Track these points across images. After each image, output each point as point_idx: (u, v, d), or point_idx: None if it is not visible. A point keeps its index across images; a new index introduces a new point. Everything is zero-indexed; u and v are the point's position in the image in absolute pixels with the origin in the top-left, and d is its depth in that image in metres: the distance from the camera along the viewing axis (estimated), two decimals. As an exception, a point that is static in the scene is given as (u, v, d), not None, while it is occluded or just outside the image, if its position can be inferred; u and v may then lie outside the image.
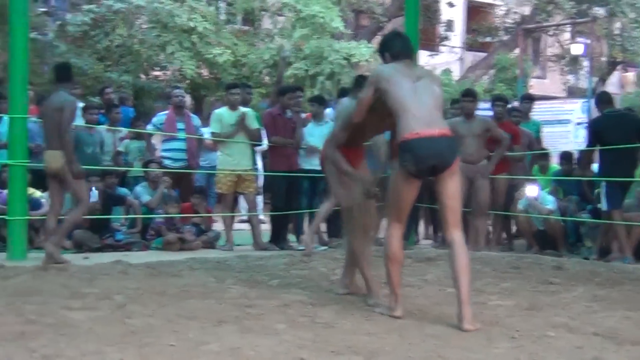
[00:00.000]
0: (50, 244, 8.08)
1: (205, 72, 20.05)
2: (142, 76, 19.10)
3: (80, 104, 11.58)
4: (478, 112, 10.50)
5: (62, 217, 8.50)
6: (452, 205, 5.48)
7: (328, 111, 10.99)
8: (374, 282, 6.20)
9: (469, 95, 10.41)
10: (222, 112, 10.35)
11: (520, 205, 10.34)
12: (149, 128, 11.22)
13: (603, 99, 10.14)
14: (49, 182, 8.43)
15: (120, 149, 11.21)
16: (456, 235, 5.44)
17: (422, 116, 5.40)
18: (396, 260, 5.59)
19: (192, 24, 18.29)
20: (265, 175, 11.01)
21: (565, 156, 11.01)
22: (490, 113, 11.08)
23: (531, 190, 10.25)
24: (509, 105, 11.46)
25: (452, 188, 5.45)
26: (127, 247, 9.71)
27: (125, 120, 11.66)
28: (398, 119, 5.44)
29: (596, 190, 10.08)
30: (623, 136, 9.36)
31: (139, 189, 10.59)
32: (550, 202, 10.29)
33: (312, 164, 10.46)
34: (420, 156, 5.32)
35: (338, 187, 6.40)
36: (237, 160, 10.14)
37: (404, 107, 5.44)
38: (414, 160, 5.34)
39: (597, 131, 9.83)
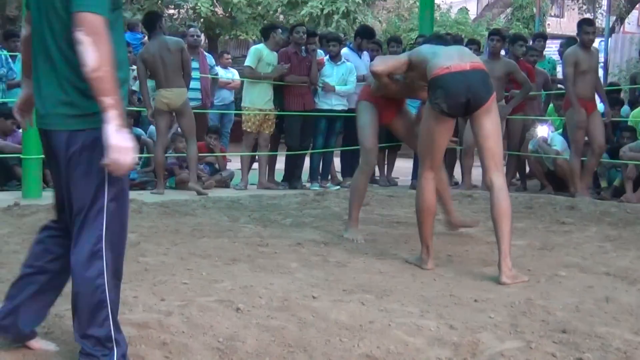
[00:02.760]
0: (192, 184, 9.24)
1: (219, 10, 19.91)
2: (157, 14, 18.99)
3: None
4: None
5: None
6: (490, 147, 5.11)
7: (344, 51, 10.89)
8: (356, 219, 6.51)
9: (496, 34, 10.17)
10: (262, 49, 10.22)
11: (530, 146, 10.29)
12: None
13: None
14: (160, 118, 9.30)
15: (134, 88, 11.20)
16: (496, 178, 5.08)
17: (451, 54, 5.17)
18: (429, 212, 5.34)
19: (207, -38, 18.16)
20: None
21: None
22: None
23: (541, 131, 10.19)
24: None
25: (488, 127, 5.09)
26: (141, 185, 9.74)
27: (136, 46, 12.01)
28: (428, 64, 5.19)
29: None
30: None
31: (153, 128, 10.61)
32: (559, 143, 10.19)
33: (329, 103, 10.45)
34: (452, 92, 4.99)
35: (364, 132, 6.39)
36: (264, 100, 10.08)
37: (434, 53, 5.23)
38: (444, 96, 5.01)
39: None
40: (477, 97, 5.04)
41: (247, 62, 10.18)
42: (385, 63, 5.70)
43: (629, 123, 10.45)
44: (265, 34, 10.36)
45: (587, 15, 29.52)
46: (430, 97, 5.13)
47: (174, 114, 9.45)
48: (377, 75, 5.73)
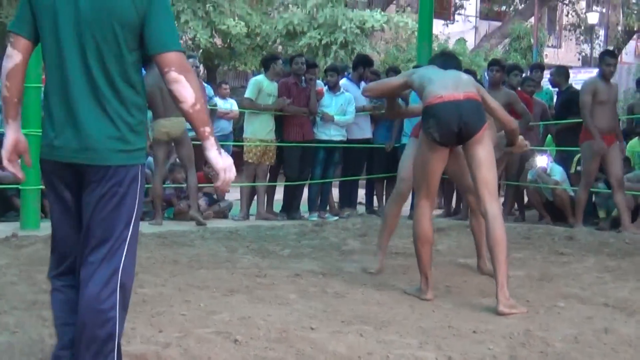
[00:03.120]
0: (193, 213, 9.26)
1: (218, 41, 19.99)
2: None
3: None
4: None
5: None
6: (483, 176, 5.12)
7: (343, 82, 10.91)
8: (384, 251, 6.45)
9: (496, 64, 10.12)
10: (262, 80, 10.25)
11: (529, 176, 10.30)
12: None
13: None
14: (158, 149, 9.32)
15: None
16: (490, 207, 5.08)
17: (447, 83, 5.19)
18: (426, 241, 5.35)
19: (205, -7, 18.23)
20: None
21: None
22: None
23: (541, 161, 10.18)
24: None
25: (480, 156, 5.11)
26: (139, 216, 9.71)
27: None
28: (424, 91, 5.23)
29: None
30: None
31: (151, 159, 10.61)
32: (558, 173, 10.21)
33: (328, 134, 10.45)
34: (444, 121, 5.03)
35: (404, 163, 6.36)
36: (266, 131, 10.09)
37: (431, 79, 5.25)
38: (437, 125, 5.06)
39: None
40: (469, 127, 5.08)
41: (247, 93, 10.20)
42: (374, 90, 6.06)
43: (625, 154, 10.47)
44: (266, 65, 10.38)
45: (585, 46, 29.77)
46: (424, 126, 5.20)
47: (172, 144, 9.47)
48: (369, 97, 5.95)
